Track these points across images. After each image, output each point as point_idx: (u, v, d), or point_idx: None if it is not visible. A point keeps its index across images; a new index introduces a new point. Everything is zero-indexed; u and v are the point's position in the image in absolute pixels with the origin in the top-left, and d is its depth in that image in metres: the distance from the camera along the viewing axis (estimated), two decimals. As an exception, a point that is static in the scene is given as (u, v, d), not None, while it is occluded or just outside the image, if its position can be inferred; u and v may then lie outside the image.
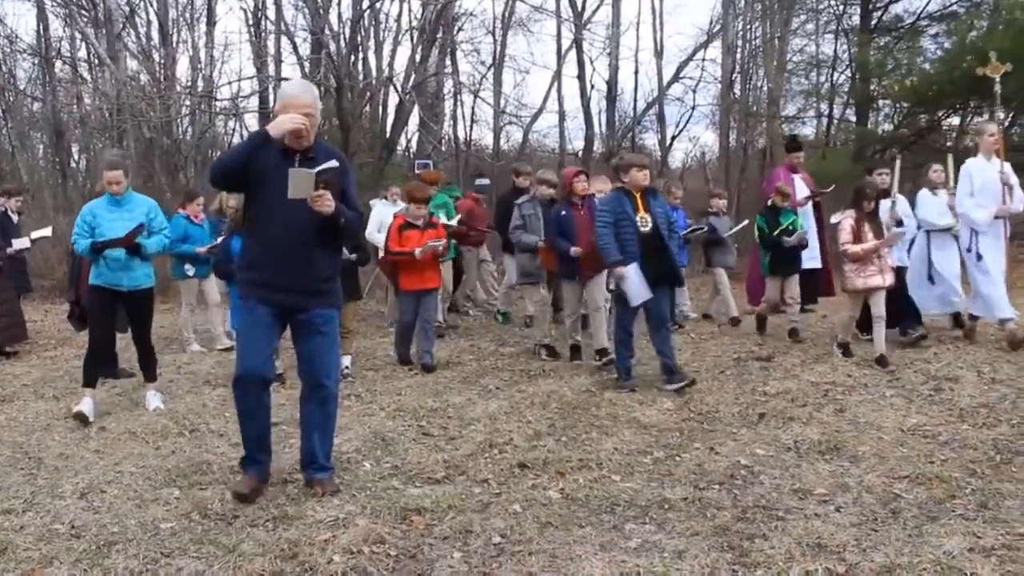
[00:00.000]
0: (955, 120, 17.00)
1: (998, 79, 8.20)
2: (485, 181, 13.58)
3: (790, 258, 9.23)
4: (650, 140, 24.37)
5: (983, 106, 15.89)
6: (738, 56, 21.17)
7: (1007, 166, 8.15)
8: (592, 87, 22.68)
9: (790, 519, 4.20)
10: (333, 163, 4.48)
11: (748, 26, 21.72)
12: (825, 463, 5.06)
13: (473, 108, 24.77)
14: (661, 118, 22.80)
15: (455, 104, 24.23)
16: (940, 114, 15.35)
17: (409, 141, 22.25)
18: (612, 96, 22.32)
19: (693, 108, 23.77)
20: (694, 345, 9.03)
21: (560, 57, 23.12)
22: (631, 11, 33.46)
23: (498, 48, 23.24)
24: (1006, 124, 16.27)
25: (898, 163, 8.90)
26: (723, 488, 4.67)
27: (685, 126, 24.20)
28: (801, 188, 10.84)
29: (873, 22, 18.34)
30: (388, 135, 19.44)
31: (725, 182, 18.41)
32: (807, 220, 10.49)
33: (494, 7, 23.61)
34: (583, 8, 22.84)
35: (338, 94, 16.84)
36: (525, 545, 3.95)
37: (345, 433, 5.81)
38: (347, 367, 7.72)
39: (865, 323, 7.99)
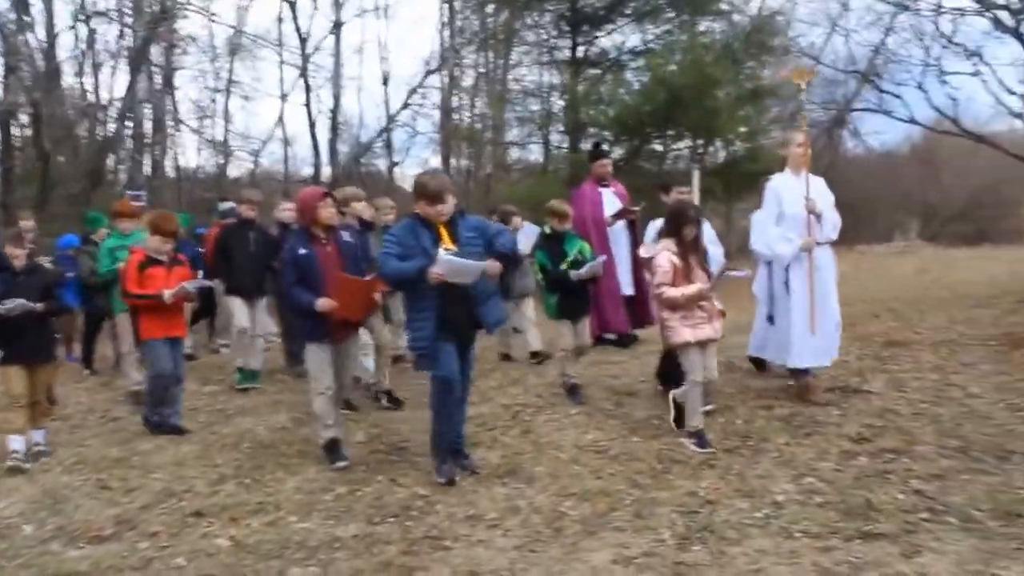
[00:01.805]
0: (658, 147, 18.27)
1: (803, 86, 7.20)
2: (230, 204, 11.37)
3: (580, 296, 7.14)
4: (380, 165, 24.51)
5: (680, 133, 17.30)
6: (460, 84, 21.76)
7: (817, 184, 6.77)
8: (318, 114, 22.57)
9: (455, 548, 4.29)
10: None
11: (469, 56, 22.38)
12: (502, 487, 5.22)
13: (198, 135, 23.86)
14: (389, 144, 23.05)
15: (176, 131, 23.22)
16: (638, 142, 16.43)
17: (118, 170, 21.04)
18: (336, 124, 22.31)
19: (416, 134, 24.16)
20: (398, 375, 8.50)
21: (284, 85, 22.83)
22: (356, 40, 33.54)
23: (223, 74, 22.59)
24: (700, 154, 17.78)
25: (696, 176, 7.59)
26: (397, 521, 4.70)
27: (409, 151, 24.55)
28: (612, 203, 9.36)
29: (582, 55, 19.40)
30: (94, 164, 18.24)
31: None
32: (617, 241, 9.24)
33: (212, 34, 22.67)
34: (308, 37, 22.71)
35: (35, 121, 15.61)
36: (176, 603, 3.78)
37: (11, 496, 5.35)
38: (40, 444, 6.40)
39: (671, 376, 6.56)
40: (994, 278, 12.52)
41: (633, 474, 5.34)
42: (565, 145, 19.49)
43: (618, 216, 9.26)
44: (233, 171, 23.79)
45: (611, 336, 9.47)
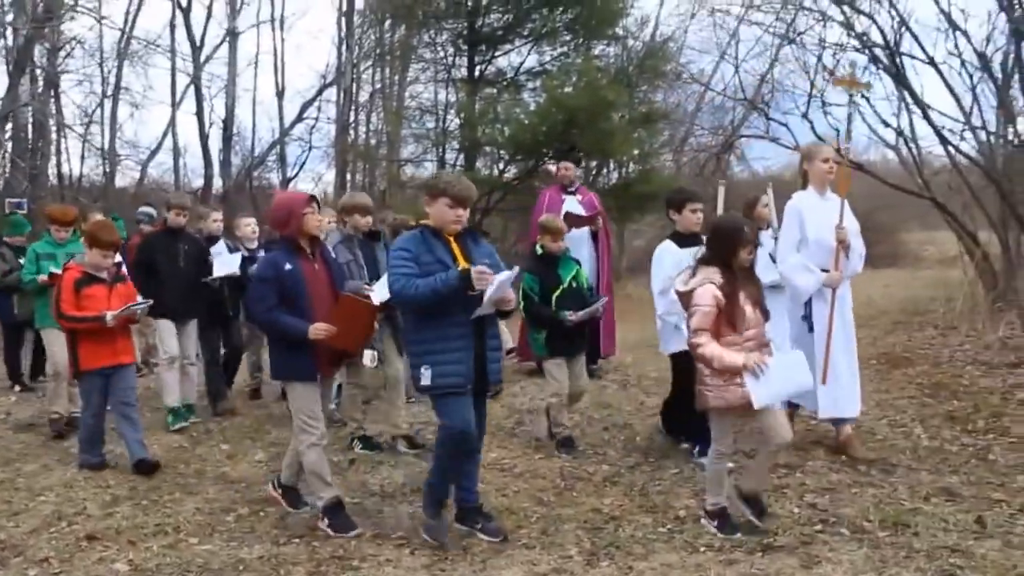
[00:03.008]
0: (552, 167, 18.48)
1: (857, 96, 6.45)
2: (149, 210, 10.54)
3: (574, 332, 6.18)
4: (273, 179, 24.12)
5: (575, 154, 17.55)
6: (355, 99, 21.62)
7: (847, 212, 5.81)
8: (211, 124, 22.07)
9: (363, 568, 4.25)
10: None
11: (366, 71, 22.27)
12: (408, 505, 5.20)
13: (84, 142, 22.96)
14: (283, 157, 22.71)
15: (59, 138, 22.29)
16: (532, 162, 16.56)
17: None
18: (229, 135, 21.86)
19: (310, 148, 23.88)
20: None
21: (176, 93, 22.24)
22: (251, 50, 32.74)
23: (111, 80, 21.84)
24: (594, 175, 18.08)
25: (723, 191, 6.39)
26: (303, 542, 4.63)
27: (304, 165, 24.21)
28: (574, 210, 8.50)
29: (479, 74, 19.52)
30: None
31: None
32: (580, 253, 7.84)
33: (102, 37, 21.91)
34: (201, 45, 22.20)
35: None
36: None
37: None
38: None
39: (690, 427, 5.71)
40: (872, 300, 13.14)
41: (537, 491, 5.40)
42: (461, 163, 19.56)
43: (574, 223, 8.14)
44: (120, 180, 22.99)
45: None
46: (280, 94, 22.81)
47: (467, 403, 4.49)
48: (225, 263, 7.57)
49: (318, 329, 4.70)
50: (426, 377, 4.46)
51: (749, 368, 4.26)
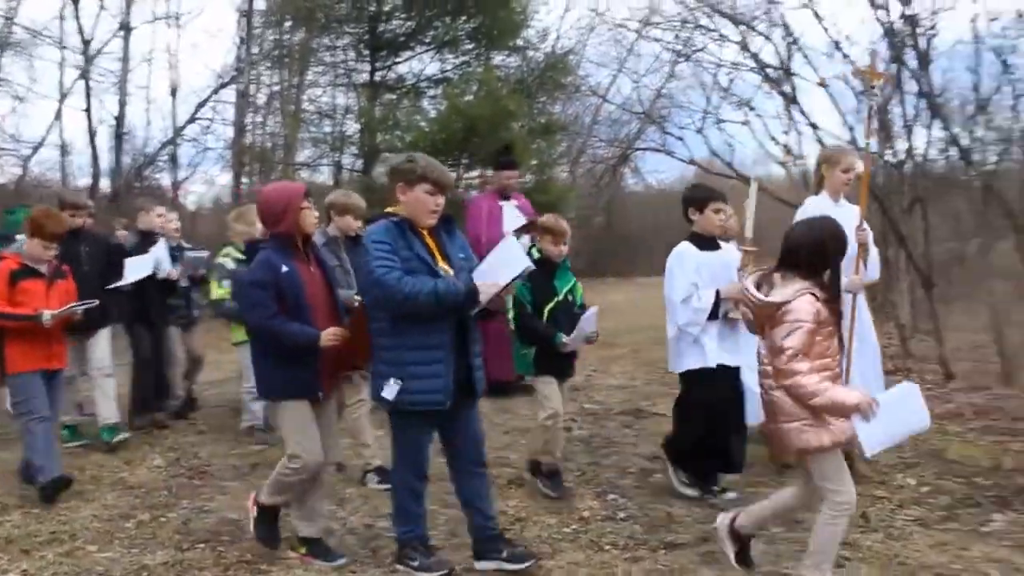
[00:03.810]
0: (453, 174, 18.59)
1: (876, 86, 5.85)
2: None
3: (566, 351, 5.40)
4: (164, 180, 23.43)
5: (474, 162, 17.67)
6: (252, 101, 21.22)
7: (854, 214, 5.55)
8: (100, 121, 21.33)
9: (273, 571, 4.22)
10: None
11: (264, 73, 21.89)
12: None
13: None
14: (175, 159, 22.11)
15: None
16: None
17: None
18: (120, 132, 21.17)
19: (205, 149, 23.30)
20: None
21: (63, 87, 21.39)
22: (144, 46, 31.66)
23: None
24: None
25: (755, 189, 5.40)
26: (208, 546, 4.56)
27: (198, 166, 23.57)
28: (513, 218, 8.21)
29: (380, 80, 19.47)
30: None
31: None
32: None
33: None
34: (92, 38, 21.44)
35: None
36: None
37: None
38: None
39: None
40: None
41: (444, 494, 5.39)
42: (358, 168, 19.47)
43: (522, 231, 7.80)
44: (-1, 177, 21.96)
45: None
46: (174, 93, 22.20)
47: (427, 429, 4.13)
48: (136, 266, 6.92)
49: (331, 335, 4.18)
50: (390, 391, 3.95)
51: (863, 410, 3.50)
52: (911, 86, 10.23)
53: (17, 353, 5.40)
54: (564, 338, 5.23)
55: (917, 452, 6.03)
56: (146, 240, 7.26)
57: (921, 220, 10.26)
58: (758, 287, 3.72)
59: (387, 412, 4.17)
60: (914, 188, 10.47)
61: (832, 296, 3.65)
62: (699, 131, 14.24)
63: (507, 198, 8.38)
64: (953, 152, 10.22)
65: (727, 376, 5.13)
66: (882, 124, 11.58)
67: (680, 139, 15.64)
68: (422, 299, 3.85)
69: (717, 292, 5.01)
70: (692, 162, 16.51)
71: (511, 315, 5.33)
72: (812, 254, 3.66)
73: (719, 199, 5.30)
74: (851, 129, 11.06)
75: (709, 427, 5.11)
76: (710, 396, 5.11)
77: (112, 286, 6.77)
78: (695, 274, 5.07)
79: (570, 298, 5.46)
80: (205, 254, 7.89)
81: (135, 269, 6.92)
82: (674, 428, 5.44)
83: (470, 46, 18.59)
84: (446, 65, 19.06)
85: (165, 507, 5.19)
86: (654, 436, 6.57)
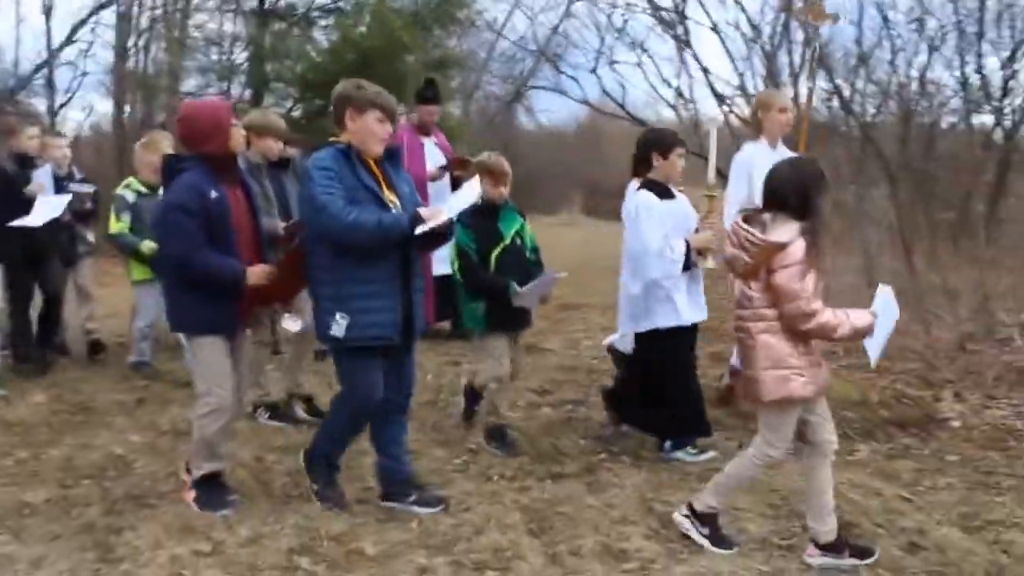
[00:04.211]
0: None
1: (820, 27, 5.57)
2: None
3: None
4: (40, 106, 22.27)
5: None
6: (135, 24, 20.29)
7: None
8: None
9: (162, 505, 4.18)
10: None
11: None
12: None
13: None
14: (51, 83, 21.02)
15: None
16: (323, 102, 16.23)
17: None
18: (-12, 54, 20.02)
19: (84, 74, 22.22)
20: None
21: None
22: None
23: None
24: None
25: (714, 135, 5.64)
26: (93, 482, 4.49)
27: (76, 92, 22.48)
28: (434, 156, 7.92)
29: (270, 7, 18.86)
30: None
31: (119, 156, 17.50)
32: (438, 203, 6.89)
33: None
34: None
35: None
36: None
37: None
38: None
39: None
40: (649, 249, 13.96)
41: (335, 428, 5.45)
42: (246, 98, 18.90)
43: (445, 169, 7.79)
44: None
45: None
46: (48, 12, 21.01)
47: (378, 364, 3.96)
48: (47, 206, 6.20)
49: (257, 273, 3.97)
50: (339, 327, 3.79)
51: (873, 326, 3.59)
52: (798, 36, 10.53)
53: None
54: (517, 288, 4.79)
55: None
56: (25, 166, 6.42)
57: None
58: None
59: (333, 351, 4.04)
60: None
61: (817, 235, 3.55)
62: (593, 71, 14.35)
63: (427, 134, 8.02)
64: (835, 102, 10.60)
65: (692, 333, 4.97)
66: (769, 72, 11.92)
67: (574, 79, 15.71)
68: (365, 225, 3.68)
69: (687, 242, 4.72)
70: (585, 102, 16.61)
71: (455, 265, 4.99)
72: (798, 194, 3.54)
73: (683, 144, 4.99)
74: (741, 76, 11.32)
75: (683, 386, 4.88)
76: (683, 356, 4.93)
77: (15, 223, 6.03)
78: (661, 225, 4.71)
79: (518, 241, 5.05)
80: (91, 188, 7.41)
81: (46, 208, 6.20)
82: (628, 386, 5.14)
83: (363, -25, 18.11)
84: (338, -6, 18.56)
85: (48, 444, 5.07)
86: (543, 370, 6.77)
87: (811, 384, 3.55)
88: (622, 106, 14.44)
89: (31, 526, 3.94)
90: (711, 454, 4.86)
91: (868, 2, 9.93)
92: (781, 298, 3.49)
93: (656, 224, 4.71)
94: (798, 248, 3.46)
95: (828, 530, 3.61)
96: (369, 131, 3.87)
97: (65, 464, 4.75)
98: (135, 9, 20.05)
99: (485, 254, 4.93)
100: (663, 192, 4.85)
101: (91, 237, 7.50)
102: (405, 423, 4.32)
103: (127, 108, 19.94)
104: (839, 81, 10.44)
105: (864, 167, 10.59)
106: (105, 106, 22.27)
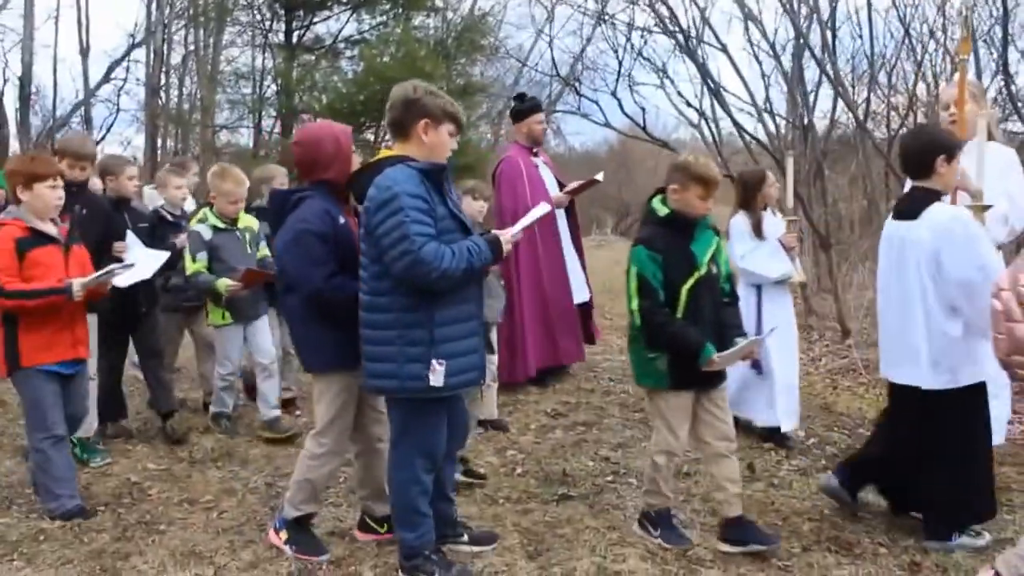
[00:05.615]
0: (370, 136, 18.47)
1: (967, 57, 5.06)
2: None
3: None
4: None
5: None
6: (167, 61, 20.81)
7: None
8: (5, 81, 20.74)
9: (170, 531, 4.27)
10: None
11: (178, 32, 21.44)
12: (216, 470, 5.23)
13: None
14: (88, 120, 21.60)
15: None
16: (350, 131, 16.49)
17: None
18: (27, 93, 20.58)
19: (118, 111, 22.81)
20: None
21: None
22: (50, 3, 30.32)
23: None
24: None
25: (791, 165, 5.95)
26: (108, 509, 4.59)
27: (111, 128, 23.08)
28: (551, 179, 7.00)
29: (296, 40, 19.19)
30: None
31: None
32: (563, 232, 6.85)
33: None
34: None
35: None
36: None
37: None
38: None
39: None
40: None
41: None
42: (277, 130, 19.21)
43: (576, 192, 6.88)
44: None
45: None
46: (84, 53, 21.63)
47: (445, 409, 3.58)
48: (151, 257, 5.49)
49: None
50: (437, 376, 3.34)
51: None
52: (817, 53, 10.53)
53: (31, 343, 4.29)
54: (715, 355, 3.74)
55: (808, 406, 6.32)
56: (119, 209, 5.73)
57: (819, 182, 10.66)
58: None
59: (396, 399, 3.55)
60: (814, 152, 10.85)
61: None
62: (612, 94, 14.42)
63: (536, 153, 7.04)
64: (850, 119, 10.59)
65: None
66: (791, 91, 11.90)
67: (595, 102, 15.80)
68: (459, 266, 3.29)
69: None
70: (608, 125, 16.70)
71: (633, 304, 3.85)
72: None
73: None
74: (752, 96, 11.33)
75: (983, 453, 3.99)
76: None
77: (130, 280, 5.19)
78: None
79: (714, 269, 3.90)
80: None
81: (149, 261, 5.48)
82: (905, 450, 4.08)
83: (387, 6, 18.35)
84: (363, 25, 18.83)
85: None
86: (559, 392, 6.79)
87: None
88: (643, 127, 14.45)
89: (44, 552, 4.04)
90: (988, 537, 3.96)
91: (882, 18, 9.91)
92: None
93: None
94: None
95: None
96: (443, 147, 3.52)
97: (83, 492, 4.84)
98: (167, 46, 20.54)
99: (675, 288, 3.81)
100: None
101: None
102: (453, 467, 4.11)
103: (160, 142, 20.37)
104: (854, 98, 10.50)
105: (877, 181, 10.65)
106: (139, 140, 22.79)
